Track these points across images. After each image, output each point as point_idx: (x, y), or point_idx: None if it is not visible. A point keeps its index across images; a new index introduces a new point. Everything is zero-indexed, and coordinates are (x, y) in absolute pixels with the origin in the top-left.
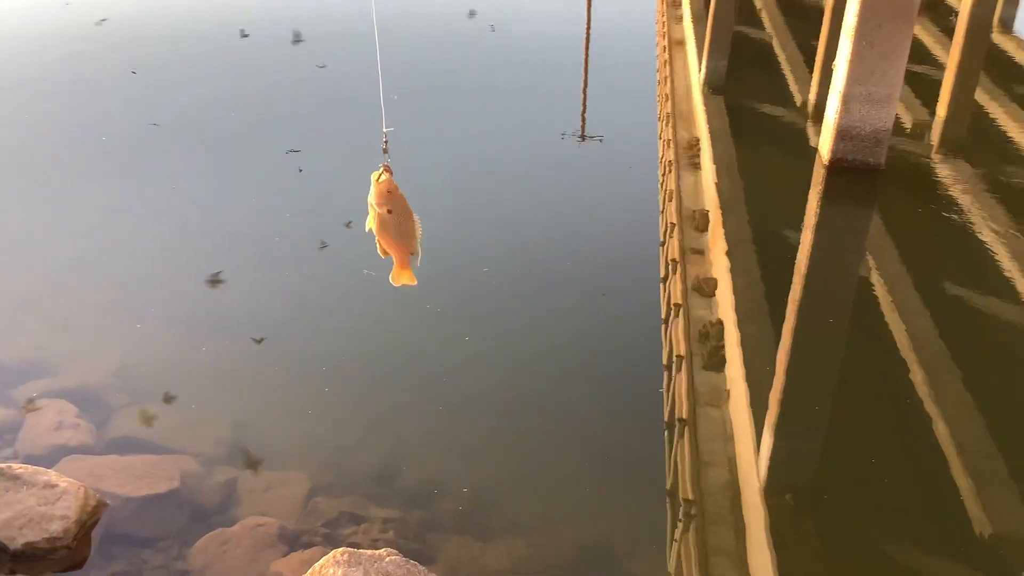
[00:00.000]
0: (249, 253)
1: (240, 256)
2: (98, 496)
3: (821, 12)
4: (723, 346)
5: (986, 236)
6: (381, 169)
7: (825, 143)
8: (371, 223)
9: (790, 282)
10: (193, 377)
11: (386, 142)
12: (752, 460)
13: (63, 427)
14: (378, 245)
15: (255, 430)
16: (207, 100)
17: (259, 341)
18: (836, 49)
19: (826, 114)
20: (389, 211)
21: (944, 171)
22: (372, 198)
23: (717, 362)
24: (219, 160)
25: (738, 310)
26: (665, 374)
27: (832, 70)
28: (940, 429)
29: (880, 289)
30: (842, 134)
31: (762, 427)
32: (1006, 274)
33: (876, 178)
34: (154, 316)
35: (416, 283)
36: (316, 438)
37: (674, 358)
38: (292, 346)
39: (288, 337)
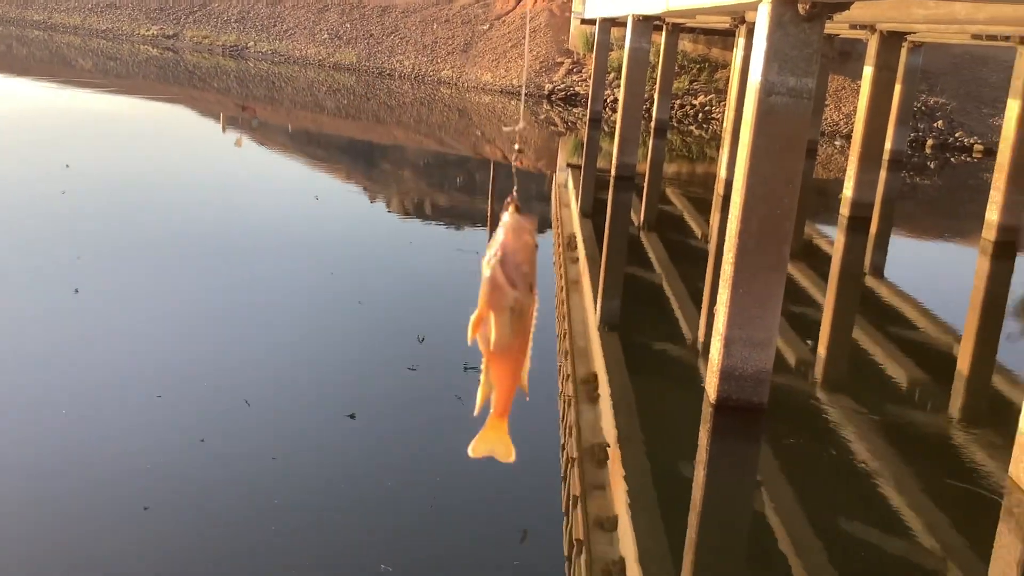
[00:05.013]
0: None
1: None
2: None
3: (706, 257)
4: None
5: (871, 469)
6: (511, 205)
7: (711, 383)
8: (484, 311)
9: (687, 518)
10: None
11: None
12: None
13: None
14: (484, 350)
15: None
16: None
17: None
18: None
19: (710, 356)
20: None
21: (827, 408)
22: (495, 258)
23: None
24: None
25: (639, 548)
26: None
27: (714, 314)
28: None
29: (776, 525)
30: (725, 375)
31: None
32: (893, 506)
33: (761, 416)
34: None
35: (513, 457)
36: None
37: None
38: None
39: None
